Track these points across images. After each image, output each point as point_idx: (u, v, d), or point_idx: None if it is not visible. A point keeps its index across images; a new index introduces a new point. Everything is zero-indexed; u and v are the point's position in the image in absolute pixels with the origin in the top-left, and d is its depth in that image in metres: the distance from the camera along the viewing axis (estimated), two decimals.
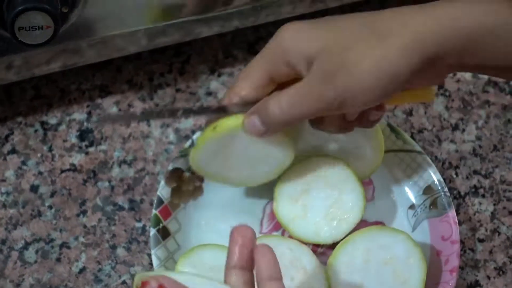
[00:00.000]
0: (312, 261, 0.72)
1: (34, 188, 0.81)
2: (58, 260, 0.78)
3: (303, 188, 0.74)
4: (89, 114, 0.84)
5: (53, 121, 0.84)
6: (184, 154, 0.77)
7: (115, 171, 0.81)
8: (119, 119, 0.81)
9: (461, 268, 0.78)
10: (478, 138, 0.84)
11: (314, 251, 0.74)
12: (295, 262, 0.72)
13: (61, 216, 0.79)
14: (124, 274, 0.77)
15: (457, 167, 0.83)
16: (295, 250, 0.73)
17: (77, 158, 0.82)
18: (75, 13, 0.71)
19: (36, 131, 0.83)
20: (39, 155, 0.82)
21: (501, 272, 0.78)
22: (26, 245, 0.78)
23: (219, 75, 0.86)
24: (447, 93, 0.86)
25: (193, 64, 0.87)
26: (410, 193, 0.78)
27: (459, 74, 0.87)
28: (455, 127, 0.84)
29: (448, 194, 0.76)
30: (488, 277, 0.77)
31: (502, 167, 0.83)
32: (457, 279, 0.72)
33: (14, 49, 0.73)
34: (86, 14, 0.72)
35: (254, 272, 0.56)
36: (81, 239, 0.78)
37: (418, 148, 0.78)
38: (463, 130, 0.84)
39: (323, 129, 0.67)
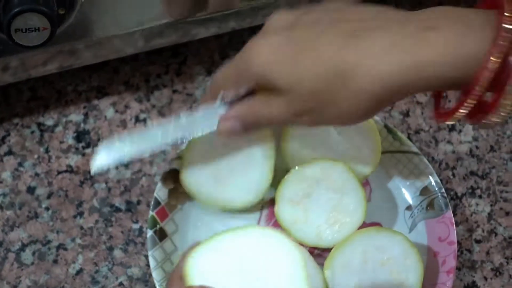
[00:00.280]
0: (309, 263, 0.72)
1: (30, 190, 0.80)
2: (55, 261, 0.77)
3: (304, 191, 0.74)
4: (86, 115, 0.84)
5: (49, 122, 0.84)
6: (180, 156, 0.77)
7: (112, 173, 0.81)
8: None
9: (458, 269, 0.78)
10: (475, 139, 0.84)
11: (311, 252, 0.74)
12: None
13: (58, 218, 0.79)
14: (121, 275, 0.77)
15: (454, 168, 0.83)
16: None
17: (74, 160, 0.82)
18: (72, 14, 0.71)
19: (32, 132, 0.83)
20: (35, 156, 0.82)
21: (498, 273, 0.78)
22: (23, 247, 0.78)
23: None
24: (444, 94, 0.86)
25: (189, 65, 0.87)
26: (407, 194, 0.78)
27: None
28: (451, 128, 0.84)
29: (445, 195, 0.76)
30: (485, 278, 0.78)
31: (499, 168, 0.83)
32: (454, 280, 0.72)
33: (11, 50, 0.73)
34: (82, 16, 0.72)
35: None
36: (78, 241, 0.78)
37: (415, 149, 0.78)
38: (460, 131, 0.84)
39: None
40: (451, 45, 0.54)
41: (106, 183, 0.81)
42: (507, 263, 0.78)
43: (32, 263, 0.77)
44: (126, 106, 0.85)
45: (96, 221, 0.79)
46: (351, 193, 0.74)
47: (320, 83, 0.58)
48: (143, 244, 0.78)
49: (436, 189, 0.76)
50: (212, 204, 0.75)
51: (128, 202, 0.80)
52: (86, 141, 0.83)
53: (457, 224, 0.79)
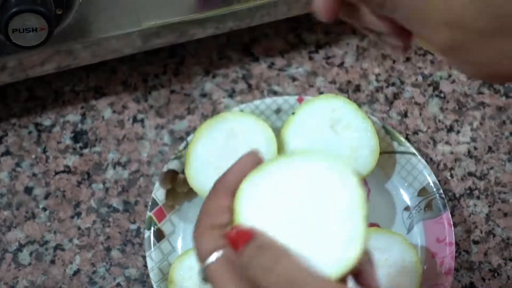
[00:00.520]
0: None
1: (28, 190, 0.80)
2: (52, 262, 0.77)
3: None
4: (83, 115, 0.84)
5: (47, 122, 0.84)
6: (178, 156, 0.77)
7: (110, 173, 0.81)
8: None
9: (456, 270, 0.78)
10: (473, 139, 0.84)
11: None
12: None
13: (55, 218, 0.79)
14: (118, 276, 0.77)
15: (452, 168, 0.83)
16: None
17: (71, 160, 0.82)
18: (70, 15, 0.71)
19: (30, 132, 0.83)
20: (33, 156, 0.82)
21: (496, 274, 0.78)
22: (20, 247, 0.78)
23: (213, 77, 0.86)
24: (442, 95, 0.86)
25: (187, 65, 0.87)
26: (405, 195, 0.78)
27: (454, 76, 0.87)
28: (450, 129, 0.84)
29: (443, 195, 0.76)
30: (483, 279, 0.77)
31: (497, 169, 0.83)
32: (452, 281, 0.72)
33: (8, 50, 0.72)
34: (80, 16, 0.72)
35: None
36: (76, 241, 0.78)
37: (412, 150, 0.78)
38: (458, 132, 0.84)
39: (352, 19, 0.55)
40: None
41: (104, 183, 0.81)
42: (505, 264, 0.78)
43: (29, 264, 0.77)
44: (124, 106, 0.85)
45: (94, 222, 0.79)
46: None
47: None
48: (140, 244, 0.78)
49: (434, 190, 0.76)
50: None
51: (126, 203, 0.80)
52: (83, 141, 0.83)
53: (455, 225, 0.79)
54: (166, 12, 0.75)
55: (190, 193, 0.77)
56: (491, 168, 0.83)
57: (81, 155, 0.82)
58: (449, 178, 0.82)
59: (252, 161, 0.53)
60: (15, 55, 0.74)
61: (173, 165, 0.77)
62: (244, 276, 0.48)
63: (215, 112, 0.84)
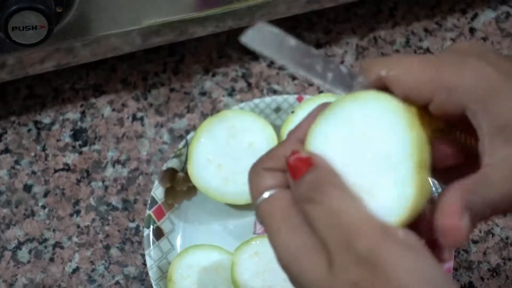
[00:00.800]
0: None
1: (27, 188, 0.80)
2: (52, 260, 0.77)
3: None
4: (83, 113, 0.84)
5: (46, 120, 0.84)
6: (178, 154, 0.77)
7: (109, 171, 0.81)
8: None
9: (455, 269, 0.78)
10: None
11: None
12: None
13: (54, 216, 0.79)
14: (117, 274, 0.77)
15: None
16: None
17: (71, 158, 0.82)
18: (69, 13, 0.71)
19: (29, 130, 0.83)
20: (32, 154, 0.82)
21: (495, 274, 0.78)
22: (19, 245, 0.78)
23: (213, 75, 0.86)
24: None
25: (187, 63, 0.87)
26: None
27: None
28: None
29: None
30: (482, 279, 0.78)
31: None
32: None
33: (8, 48, 0.72)
34: (80, 14, 0.72)
35: None
36: (75, 239, 0.78)
37: None
38: None
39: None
40: None
41: (103, 181, 0.81)
42: (504, 263, 0.78)
43: (29, 261, 0.77)
44: (123, 105, 0.85)
45: (93, 220, 0.79)
46: None
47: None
48: (139, 243, 0.78)
49: (433, 189, 0.76)
50: (220, 199, 0.75)
51: (125, 201, 0.80)
52: (83, 139, 0.83)
53: None
54: (166, 10, 0.75)
55: (190, 191, 0.77)
56: None
57: (81, 153, 0.82)
58: None
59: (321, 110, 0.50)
60: (15, 53, 0.74)
61: (173, 163, 0.77)
62: (295, 214, 0.47)
63: (214, 110, 0.84)
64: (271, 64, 0.86)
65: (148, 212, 0.75)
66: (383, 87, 0.49)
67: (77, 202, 0.80)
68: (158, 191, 0.76)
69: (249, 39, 0.48)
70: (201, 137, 0.76)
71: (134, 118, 0.84)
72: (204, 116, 0.83)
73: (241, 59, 0.87)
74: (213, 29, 0.80)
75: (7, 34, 0.67)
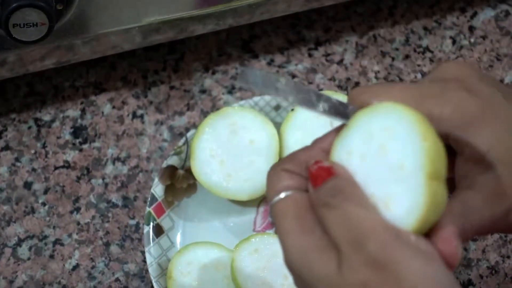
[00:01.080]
0: None
1: (27, 185, 0.80)
2: (52, 257, 0.77)
3: None
4: (83, 111, 0.84)
5: (46, 118, 0.84)
6: (178, 152, 0.77)
7: (109, 168, 0.81)
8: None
9: None
10: None
11: None
12: None
13: (54, 213, 0.79)
14: (117, 271, 0.77)
15: None
16: None
17: (71, 155, 0.82)
18: (70, 10, 0.71)
19: (29, 127, 0.83)
20: (32, 151, 0.82)
21: (493, 271, 0.78)
22: (20, 242, 0.78)
23: (213, 73, 0.86)
24: None
25: (187, 61, 0.87)
26: None
27: None
28: None
29: None
30: (481, 276, 0.78)
31: None
32: None
33: (8, 45, 0.72)
34: (80, 12, 0.72)
35: None
36: (75, 236, 0.78)
37: None
38: None
39: None
40: None
41: (103, 179, 0.81)
42: (503, 261, 0.78)
43: (29, 258, 0.77)
44: (124, 102, 0.85)
45: (93, 217, 0.79)
46: None
47: None
48: (139, 240, 0.78)
49: None
50: (223, 195, 0.75)
51: (125, 198, 0.80)
52: (83, 136, 0.83)
53: None
54: (166, 8, 0.76)
55: (189, 189, 0.78)
56: None
57: (81, 150, 0.82)
58: None
59: None
60: (15, 50, 0.74)
61: (173, 161, 0.77)
62: (309, 216, 0.48)
63: (214, 108, 0.84)
64: (271, 62, 0.86)
65: (148, 209, 0.75)
66: None
67: (77, 199, 0.80)
68: (158, 189, 0.76)
69: (243, 81, 0.50)
70: (203, 133, 0.76)
71: (134, 115, 0.84)
72: (204, 114, 0.84)
73: (241, 57, 0.87)
74: (213, 27, 0.80)
75: (8, 31, 0.67)
